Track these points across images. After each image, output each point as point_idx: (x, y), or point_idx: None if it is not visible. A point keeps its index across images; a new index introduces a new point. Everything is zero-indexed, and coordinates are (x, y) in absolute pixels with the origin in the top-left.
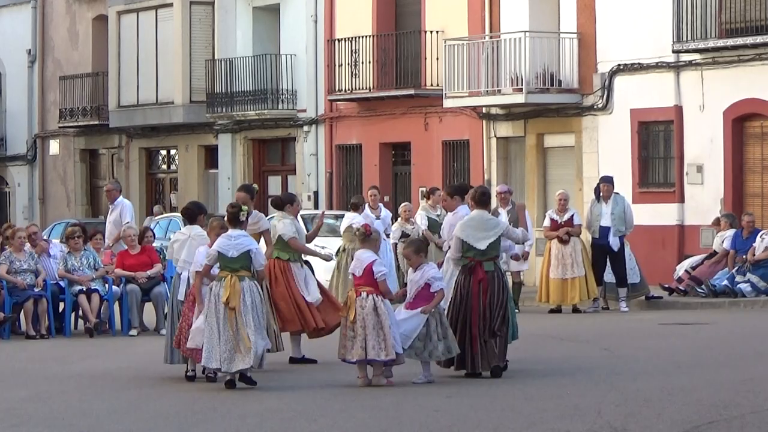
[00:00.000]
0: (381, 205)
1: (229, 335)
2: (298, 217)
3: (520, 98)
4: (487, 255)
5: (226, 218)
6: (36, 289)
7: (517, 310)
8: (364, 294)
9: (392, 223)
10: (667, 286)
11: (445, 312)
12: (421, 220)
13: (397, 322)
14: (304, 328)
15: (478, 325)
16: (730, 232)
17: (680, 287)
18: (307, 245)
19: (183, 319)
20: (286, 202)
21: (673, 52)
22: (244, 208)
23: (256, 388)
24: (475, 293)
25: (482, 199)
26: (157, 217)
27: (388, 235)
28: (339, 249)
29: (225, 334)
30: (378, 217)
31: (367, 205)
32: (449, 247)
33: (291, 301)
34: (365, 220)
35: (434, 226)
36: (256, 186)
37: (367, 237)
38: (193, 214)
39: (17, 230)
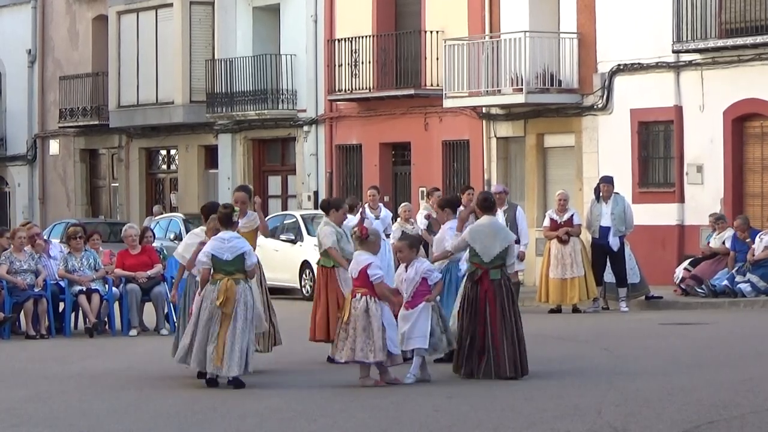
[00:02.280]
0: (381, 204)
1: (217, 338)
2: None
3: (520, 98)
4: (493, 264)
5: (217, 219)
6: (36, 289)
7: None
8: (358, 296)
9: (392, 223)
10: (684, 287)
11: (455, 319)
12: (421, 220)
13: (394, 324)
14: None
15: (485, 335)
16: (728, 232)
17: (682, 285)
18: (342, 258)
19: None
20: (332, 207)
21: (673, 52)
22: (236, 209)
23: (256, 388)
24: (483, 304)
25: (485, 205)
26: (157, 217)
27: (388, 235)
28: None
29: (212, 335)
30: (377, 217)
31: (367, 205)
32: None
33: (328, 311)
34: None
35: (434, 226)
36: (251, 186)
37: (364, 240)
38: (213, 212)
39: (17, 230)
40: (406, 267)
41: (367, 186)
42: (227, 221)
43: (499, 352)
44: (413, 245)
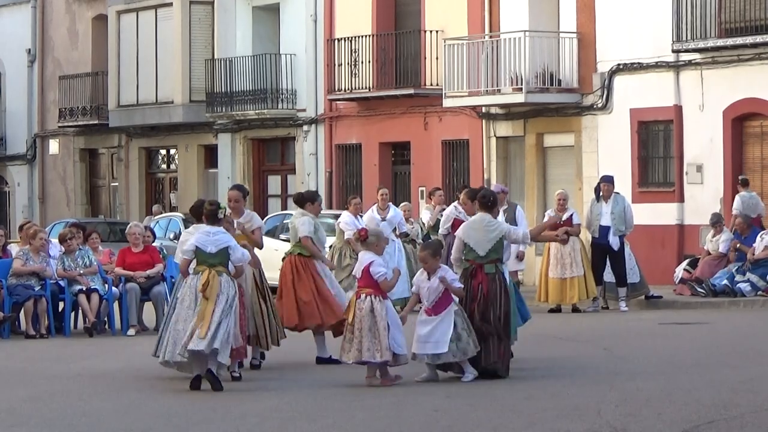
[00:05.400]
0: (390, 205)
1: (195, 321)
2: None
3: (519, 98)
4: (488, 258)
5: (204, 215)
6: (36, 288)
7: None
8: (363, 296)
9: (406, 223)
10: (696, 287)
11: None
12: (425, 217)
13: (398, 324)
14: (325, 322)
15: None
16: (725, 234)
17: (692, 283)
18: (316, 249)
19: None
20: (307, 200)
21: (673, 51)
22: (222, 205)
23: (256, 388)
24: (475, 295)
25: (483, 202)
26: (156, 217)
27: (399, 235)
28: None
29: (191, 320)
30: (384, 219)
31: (376, 206)
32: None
33: (314, 294)
34: (369, 222)
35: (435, 224)
36: (246, 186)
37: (363, 241)
38: (201, 212)
39: (39, 231)
40: (429, 275)
41: (368, 186)
42: (213, 218)
43: (487, 342)
44: (436, 253)
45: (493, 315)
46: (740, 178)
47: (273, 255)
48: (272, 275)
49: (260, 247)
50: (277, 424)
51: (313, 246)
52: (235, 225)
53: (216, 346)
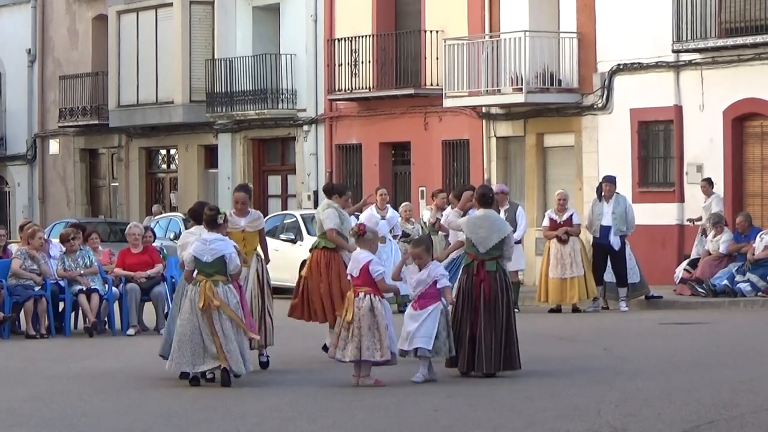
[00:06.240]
0: (388, 206)
1: (201, 339)
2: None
3: (519, 98)
4: (489, 255)
5: (203, 221)
6: (36, 288)
7: (517, 310)
8: (361, 294)
9: (407, 223)
10: (696, 287)
11: (450, 310)
12: (426, 217)
13: (393, 322)
14: (325, 320)
15: (479, 326)
16: (726, 235)
17: (692, 283)
18: (342, 240)
19: None
20: (336, 192)
21: (673, 51)
22: (222, 211)
23: (256, 388)
24: (478, 294)
25: (483, 200)
26: (156, 217)
27: (396, 236)
28: None
29: (198, 337)
30: (383, 218)
31: (374, 205)
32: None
33: (327, 295)
34: (368, 220)
35: (435, 223)
36: (251, 185)
37: (361, 236)
38: (199, 214)
39: (37, 230)
40: (420, 267)
41: (368, 186)
42: (212, 223)
43: (485, 344)
44: (429, 248)
45: (497, 315)
46: (709, 179)
47: (273, 255)
48: (273, 275)
49: (265, 247)
50: (277, 424)
51: (338, 237)
52: (243, 223)
53: (242, 371)
